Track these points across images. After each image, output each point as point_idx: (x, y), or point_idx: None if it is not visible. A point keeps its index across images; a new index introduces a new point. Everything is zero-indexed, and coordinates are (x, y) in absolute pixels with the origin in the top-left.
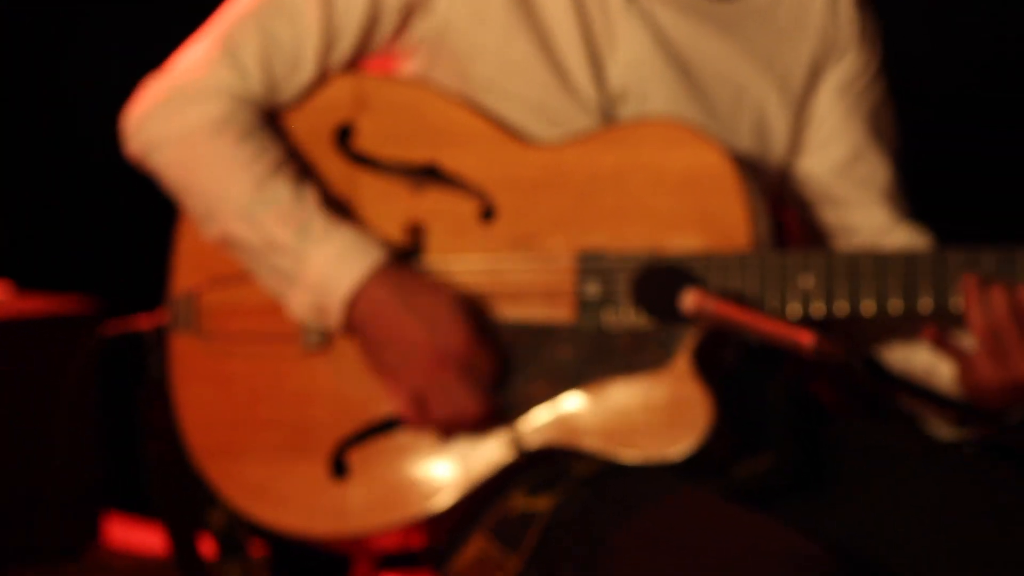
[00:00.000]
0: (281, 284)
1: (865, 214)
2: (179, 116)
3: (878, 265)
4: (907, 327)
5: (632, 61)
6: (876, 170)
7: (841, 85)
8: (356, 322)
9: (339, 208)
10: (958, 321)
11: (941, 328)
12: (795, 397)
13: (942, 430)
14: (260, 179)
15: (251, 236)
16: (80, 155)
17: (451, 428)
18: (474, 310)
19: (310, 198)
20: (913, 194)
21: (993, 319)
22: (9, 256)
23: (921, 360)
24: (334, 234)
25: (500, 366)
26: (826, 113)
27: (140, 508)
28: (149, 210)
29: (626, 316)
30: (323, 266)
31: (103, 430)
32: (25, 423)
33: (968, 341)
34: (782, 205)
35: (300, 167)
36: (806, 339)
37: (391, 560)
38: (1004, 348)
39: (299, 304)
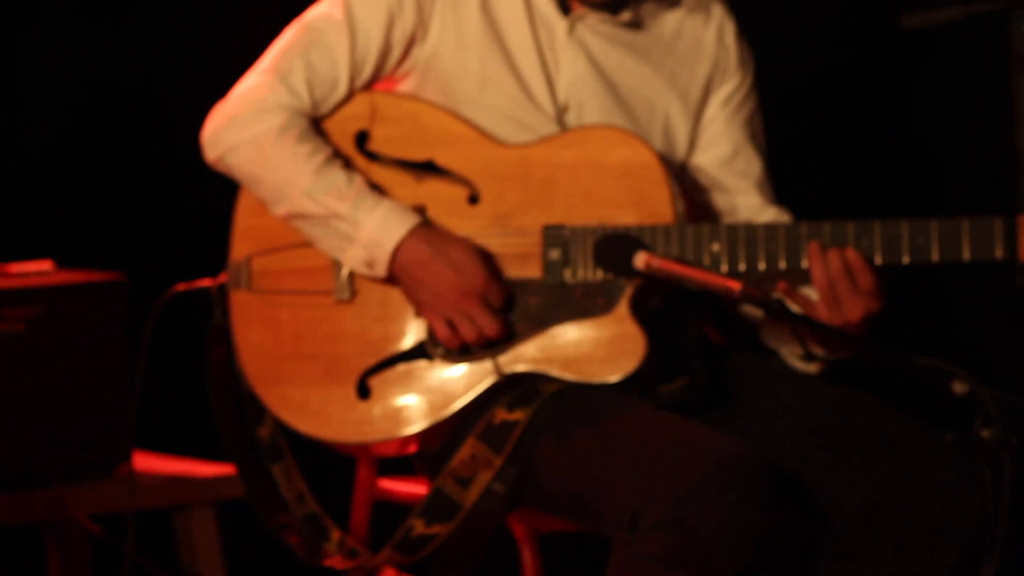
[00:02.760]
0: (341, 244)
1: (743, 198)
2: (250, 126)
3: (767, 234)
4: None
5: (572, 80)
6: (751, 164)
7: (725, 98)
8: (398, 270)
9: None
10: (807, 276)
11: (791, 283)
12: (700, 334)
13: (796, 362)
14: (319, 168)
15: (315, 210)
16: (114, 155)
17: (476, 343)
18: (484, 255)
19: (358, 180)
20: (777, 182)
21: (830, 274)
22: (51, 239)
23: None
24: (379, 206)
25: (505, 294)
26: (714, 120)
27: (164, 447)
28: (169, 202)
29: (580, 273)
30: (373, 230)
31: (140, 375)
32: (68, 367)
33: (812, 293)
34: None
35: (343, 160)
36: (735, 285)
37: (388, 467)
38: (838, 297)
39: (354, 258)
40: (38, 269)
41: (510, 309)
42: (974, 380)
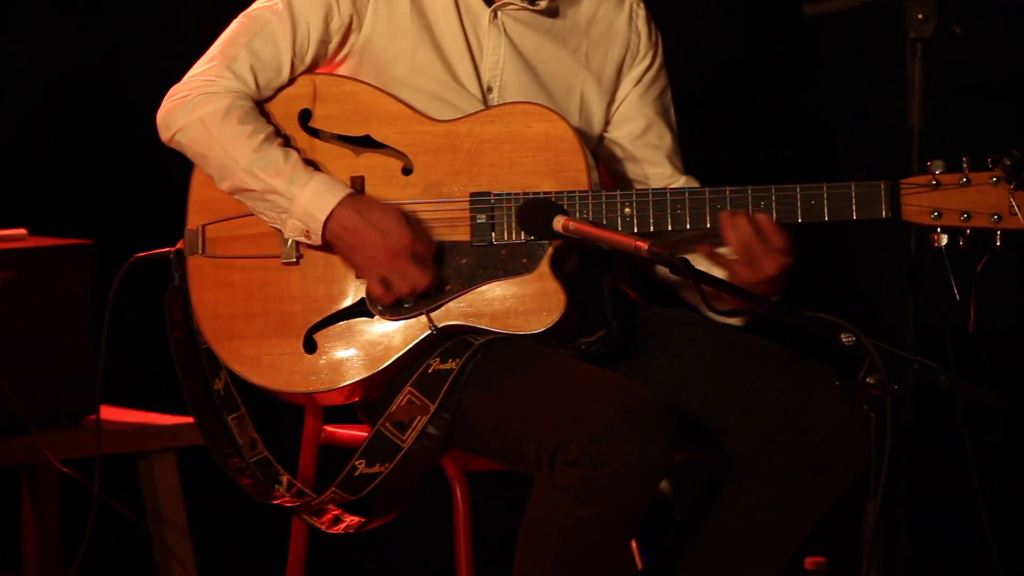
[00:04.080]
0: (279, 216)
1: (655, 168)
2: (198, 109)
3: (673, 199)
4: (690, 243)
5: (495, 63)
6: (663, 137)
7: (637, 77)
8: (332, 237)
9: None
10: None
11: (712, 244)
12: (615, 291)
13: (711, 313)
14: (258, 146)
15: (255, 185)
16: (83, 133)
17: (409, 296)
18: (409, 218)
19: (294, 156)
20: (688, 156)
21: (741, 237)
22: (25, 209)
23: (701, 266)
24: (312, 180)
25: (434, 249)
26: (626, 97)
27: (128, 402)
28: (133, 175)
29: (505, 236)
30: (307, 203)
31: (105, 334)
32: (40, 325)
33: (729, 252)
34: (597, 162)
35: (282, 139)
36: (643, 244)
37: (332, 416)
38: (754, 257)
39: (292, 229)
40: (12, 234)
41: (442, 269)
42: (859, 332)
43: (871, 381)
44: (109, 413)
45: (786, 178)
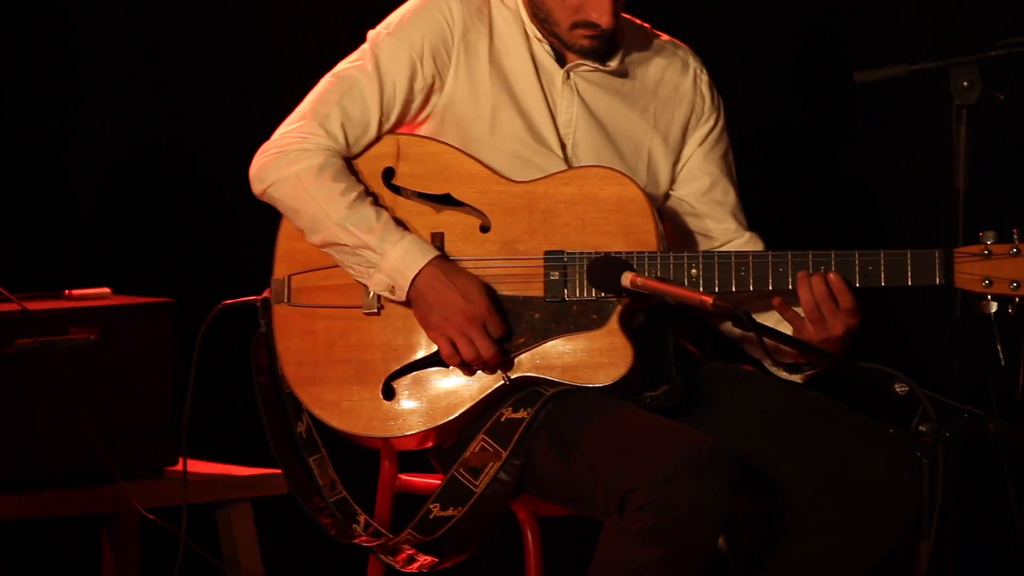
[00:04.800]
0: (367, 270)
1: (719, 225)
2: (293, 164)
3: (738, 261)
4: (759, 299)
5: (568, 121)
6: (727, 194)
7: (702, 138)
8: (414, 295)
9: None
10: (793, 294)
11: (780, 301)
12: (678, 347)
13: (774, 368)
14: (351, 203)
15: (347, 239)
16: (161, 198)
17: (472, 364)
18: (489, 290)
19: (385, 215)
20: (752, 210)
21: (816, 296)
22: (109, 269)
23: (769, 322)
24: (403, 239)
25: (505, 327)
26: (692, 156)
27: (204, 453)
28: (207, 238)
29: (577, 292)
30: (397, 261)
31: (191, 384)
32: (124, 378)
33: (799, 310)
34: (662, 218)
35: (372, 197)
36: (708, 299)
37: (406, 461)
38: (823, 316)
39: (378, 283)
40: (97, 293)
41: (517, 322)
42: (912, 382)
43: (923, 429)
44: (194, 464)
45: (837, 238)
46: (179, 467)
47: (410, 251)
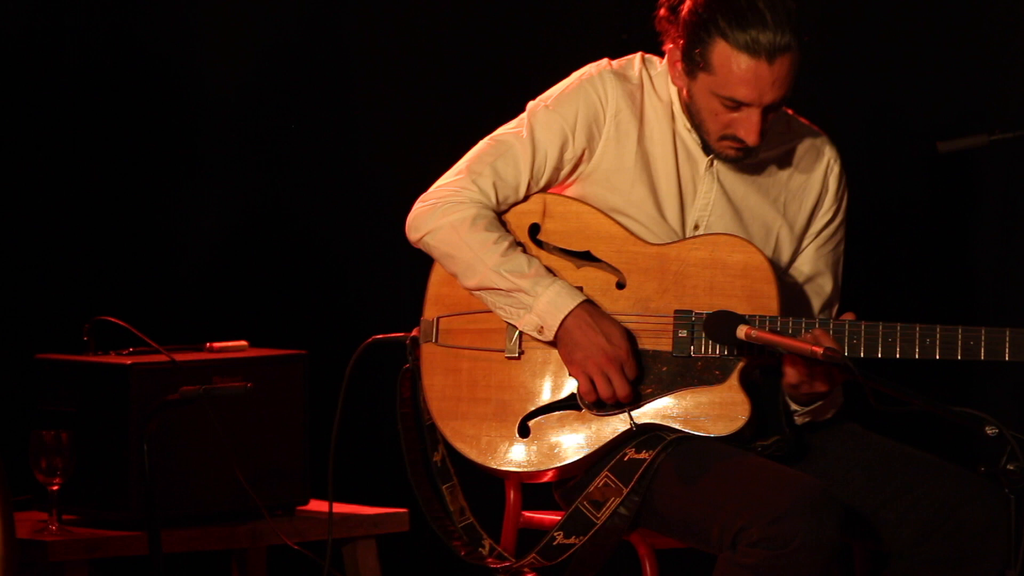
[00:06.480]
0: (518, 312)
1: (814, 311)
2: (449, 215)
3: (851, 330)
4: None
5: (706, 204)
6: (823, 287)
7: (818, 230)
8: (561, 334)
9: None
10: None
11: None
12: (787, 403)
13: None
14: (505, 251)
15: (502, 284)
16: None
17: (608, 402)
18: (630, 336)
19: (536, 262)
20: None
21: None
22: (248, 325)
23: None
24: (555, 284)
25: (637, 372)
26: (808, 247)
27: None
28: (333, 294)
29: (703, 350)
30: (548, 303)
31: (339, 413)
32: (261, 424)
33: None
34: None
35: (521, 247)
36: (819, 349)
37: (529, 497)
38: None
39: (528, 323)
40: (235, 346)
41: (645, 373)
42: (1001, 425)
43: (1011, 468)
44: (318, 504)
45: (928, 310)
46: (308, 507)
47: (561, 294)
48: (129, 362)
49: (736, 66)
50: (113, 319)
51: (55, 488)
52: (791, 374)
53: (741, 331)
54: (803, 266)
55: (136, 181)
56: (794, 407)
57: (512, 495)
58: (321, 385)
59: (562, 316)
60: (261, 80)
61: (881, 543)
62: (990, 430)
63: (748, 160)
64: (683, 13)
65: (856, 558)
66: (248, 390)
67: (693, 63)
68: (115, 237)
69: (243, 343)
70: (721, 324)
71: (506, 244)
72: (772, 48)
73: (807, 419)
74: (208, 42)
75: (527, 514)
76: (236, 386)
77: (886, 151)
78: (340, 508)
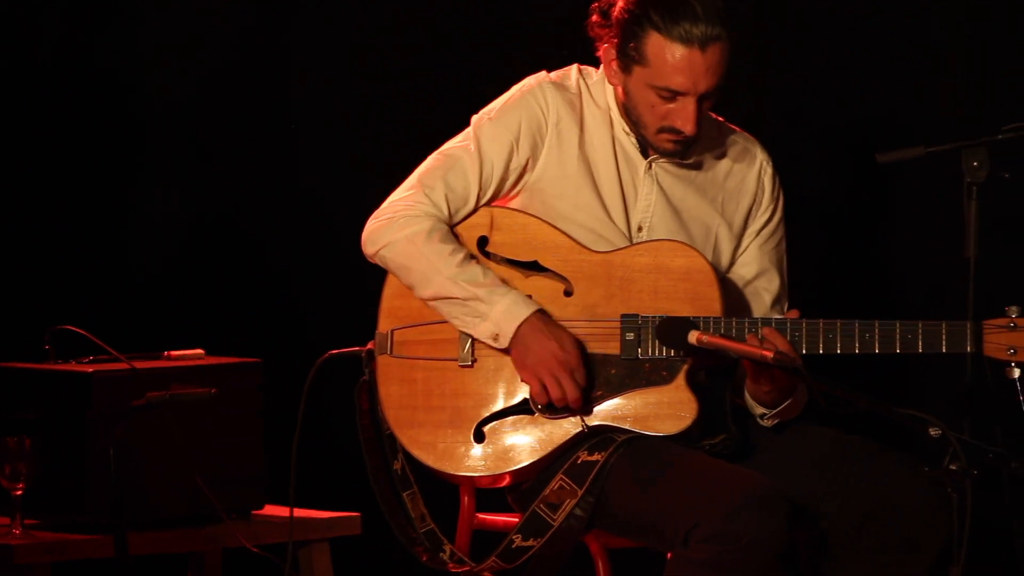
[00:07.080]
0: (474, 320)
1: (760, 310)
2: (404, 228)
3: (792, 327)
4: None
5: (647, 207)
6: (771, 283)
7: (758, 229)
8: (515, 341)
9: None
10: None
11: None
12: (733, 402)
13: (760, 420)
14: (460, 262)
15: (458, 293)
16: (248, 268)
17: (558, 405)
18: (580, 345)
19: (491, 273)
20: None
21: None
22: (203, 333)
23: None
24: (510, 293)
25: (589, 378)
26: (749, 246)
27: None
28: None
29: (649, 352)
30: (504, 311)
31: (299, 426)
32: (217, 431)
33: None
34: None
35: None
36: (768, 353)
37: (483, 501)
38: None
39: (483, 331)
40: (193, 354)
41: (595, 377)
42: (944, 426)
43: (953, 467)
44: (272, 509)
45: (859, 306)
46: (263, 511)
47: (516, 303)
48: (91, 370)
49: (671, 56)
50: (73, 328)
51: (19, 493)
52: (751, 379)
53: (693, 336)
54: (749, 265)
55: (92, 192)
56: (762, 410)
57: (466, 499)
58: (276, 392)
59: (517, 324)
60: (215, 90)
61: (825, 534)
62: (933, 431)
63: (685, 159)
64: (615, 13)
65: (801, 550)
66: (213, 396)
67: (628, 58)
68: (72, 248)
69: (200, 351)
70: (673, 330)
71: (461, 255)
72: (704, 37)
73: (776, 420)
74: (158, 55)
75: (481, 516)
76: (201, 392)
77: (813, 156)
78: (295, 512)
